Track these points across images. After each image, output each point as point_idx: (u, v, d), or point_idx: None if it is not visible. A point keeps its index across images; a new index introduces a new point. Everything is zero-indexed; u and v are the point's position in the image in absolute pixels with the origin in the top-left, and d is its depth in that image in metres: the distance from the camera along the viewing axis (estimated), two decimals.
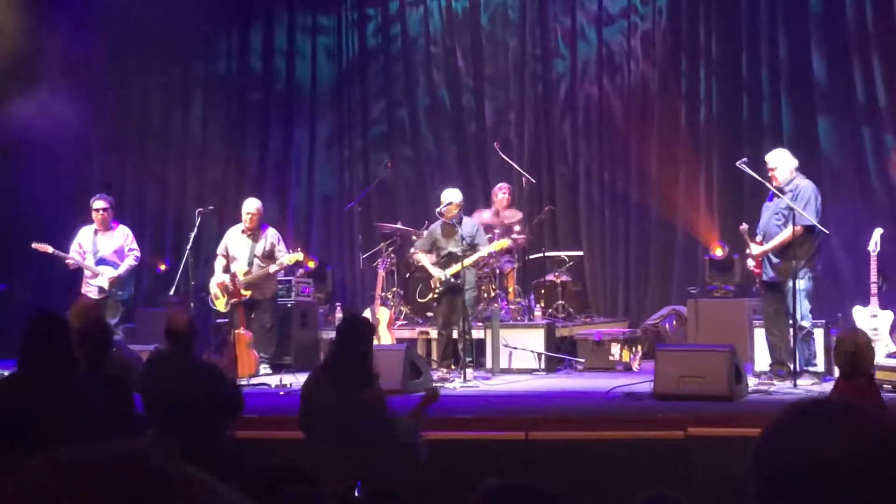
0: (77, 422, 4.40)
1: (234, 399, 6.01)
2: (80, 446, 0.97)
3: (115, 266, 10.05)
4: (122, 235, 10.25)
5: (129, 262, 10.14)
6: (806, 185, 8.48)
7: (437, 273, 9.76)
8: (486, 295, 10.73)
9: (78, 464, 0.94)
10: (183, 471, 0.96)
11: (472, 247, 9.67)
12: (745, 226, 8.74)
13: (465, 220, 9.92)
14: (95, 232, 10.17)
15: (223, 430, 5.91)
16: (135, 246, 10.26)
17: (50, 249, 10.09)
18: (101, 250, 10.10)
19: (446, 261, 9.73)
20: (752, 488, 1.40)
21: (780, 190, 8.48)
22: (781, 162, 8.57)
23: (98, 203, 10.18)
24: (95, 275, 10.02)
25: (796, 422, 1.43)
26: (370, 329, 6.00)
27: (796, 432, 1.41)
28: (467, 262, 9.53)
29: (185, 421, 5.54)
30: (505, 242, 10.15)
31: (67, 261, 10.08)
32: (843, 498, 1.34)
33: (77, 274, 10.24)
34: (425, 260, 9.93)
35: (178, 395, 5.65)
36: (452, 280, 9.60)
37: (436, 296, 9.81)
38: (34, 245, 10.20)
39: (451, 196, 9.83)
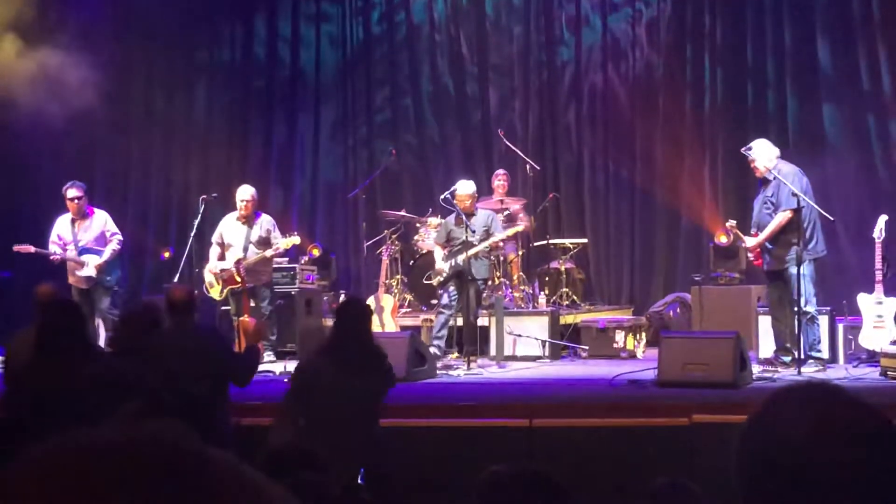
0: (103, 404, 4.44)
1: (242, 365, 6.00)
2: (99, 427, 0.91)
3: (99, 254, 9.87)
4: (101, 221, 10.04)
5: (113, 246, 9.94)
6: (787, 171, 8.45)
7: (439, 263, 9.74)
8: (490, 282, 10.72)
9: (99, 446, 0.88)
10: (215, 454, 0.91)
11: (489, 236, 9.64)
12: (732, 222, 8.73)
13: (480, 210, 9.89)
14: (73, 222, 9.95)
15: (226, 409, 5.91)
16: (115, 229, 10.07)
17: (32, 249, 9.93)
18: (83, 239, 9.90)
19: (459, 250, 9.68)
20: (736, 478, 1.41)
21: (765, 179, 8.46)
22: (759, 152, 8.53)
23: (72, 192, 9.89)
24: (81, 265, 9.83)
25: (771, 410, 1.43)
26: (367, 311, 5.98)
27: (770, 420, 1.41)
28: (474, 250, 9.51)
29: (187, 396, 5.54)
30: (519, 228, 10.13)
31: (52, 257, 9.87)
32: (816, 481, 1.34)
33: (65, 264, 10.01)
34: (436, 251, 9.91)
35: (180, 364, 5.65)
36: (459, 263, 9.56)
37: (442, 279, 9.80)
38: (16, 248, 10.03)
39: (467, 188, 9.78)
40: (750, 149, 8.65)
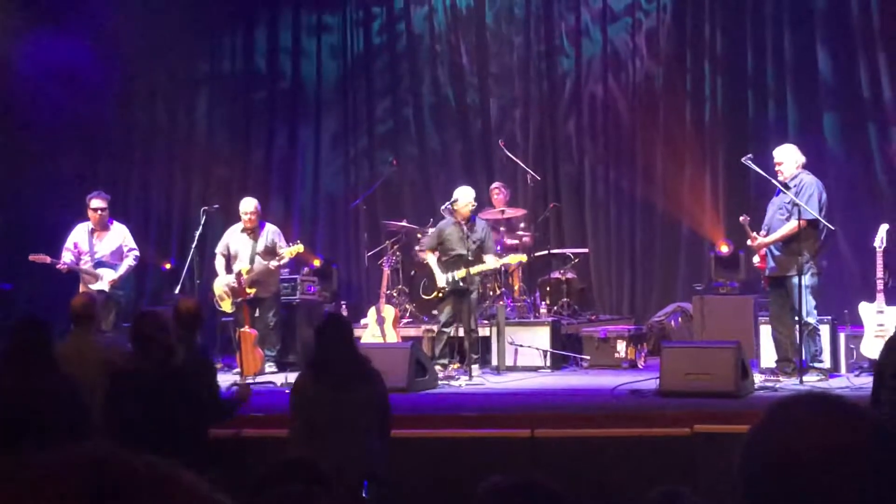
0: (57, 421, 4.44)
1: (219, 403, 6.00)
2: (33, 450, 0.94)
3: (114, 267, 9.84)
4: (120, 235, 10.00)
5: (129, 262, 9.92)
6: (810, 181, 8.48)
7: (441, 280, 9.69)
8: (491, 293, 10.71)
9: (29, 469, 0.92)
10: (150, 467, 0.94)
11: (482, 249, 9.63)
12: (745, 217, 8.72)
13: (477, 220, 9.88)
14: (91, 232, 9.90)
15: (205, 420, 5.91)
16: (134, 245, 10.04)
17: (48, 260, 9.84)
18: (99, 251, 9.86)
19: (455, 261, 9.66)
20: (739, 487, 1.41)
21: (785, 185, 8.49)
22: (788, 157, 8.59)
23: (96, 202, 9.87)
24: (95, 278, 9.77)
25: (776, 419, 1.43)
26: (348, 326, 5.91)
27: (772, 431, 1.41)
28: (477, 269, 9.54)
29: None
30: (522, 257, 10.11)
31: (59, 266, 9.78)
32: (819, 491, 1.34)
33: (76, 274, 9.97)
34: (432, 261, 9.87)
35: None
36: (461, 284, 9.56)
37: (441, 296, 9.77)
38: (31, 257, 9.93)
39: (466, 195, 9.76)
40: (750, 158, 8.68)
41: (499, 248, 10.55)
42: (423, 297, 10.41)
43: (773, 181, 8.64)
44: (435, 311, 10.48)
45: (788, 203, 8.44)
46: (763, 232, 8.66)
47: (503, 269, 10.85)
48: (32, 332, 4.86)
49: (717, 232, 11.40)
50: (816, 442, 1.36)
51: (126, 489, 0.91)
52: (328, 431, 5.39)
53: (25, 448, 0.96)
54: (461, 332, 9.65)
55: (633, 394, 7.98)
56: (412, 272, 11.38)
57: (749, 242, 8.76)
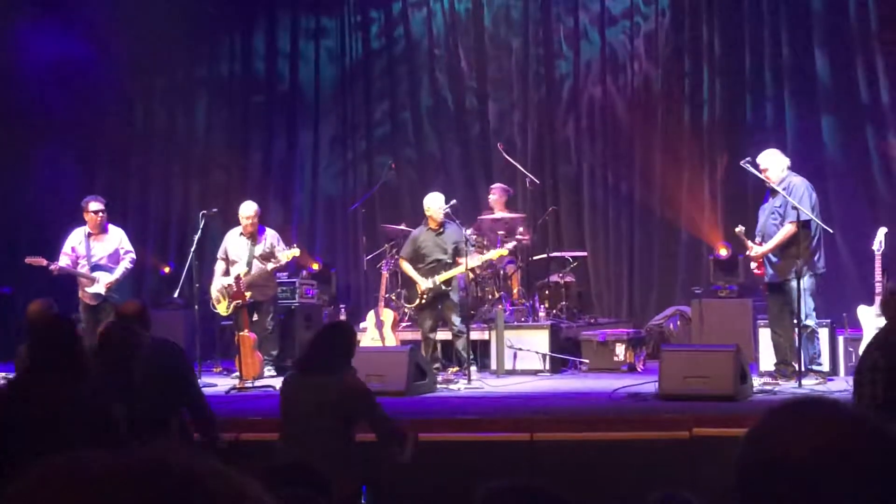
0: (84, 425, 4.42)
1: (188, 376, 6.00)
2: (98, 451, 0.96)
3: (111, 271, 9.80)
4: (116, 238, 9.98)
5: (125, 264, 9.88)
6: (798, 182, 8.48)
7: (424, 283, 9.71)
8: (490, 296, 10.71)
9: (97, 469, 0.93)
10: (202, 467, 0.95)
11: (457, 252, 9.63)
12: (741, 228, 8.71)
13: (449, 225, 9.89)
14: (88, 235, 9.86)
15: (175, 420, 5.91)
16: (130, 248, 10.01)
17: (45, 262, 9.81)
18: (96, 255, 9.83)
19: (433, 268, 9.69)
20: (735, 491, 1.41)
21: (774, 189, 8.47)
22: (772, 162, 8.57)
23: (94, 205, 9.83)
24: (92, 282, 9.75)
25: (773, 423, 1.43)
26: (348, 333, 5.91)
27: (769, 435, 1.41)
28: (456, 271, 9.54)
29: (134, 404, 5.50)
30: (504, 251, 10.14)
31: (51, 267, 9.74)
32: (815, 496, 1.34)
33: (74, 278, 9.95)
34: (408, 268, 9.89)
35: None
36: (443, 287, 9.60)
37: (423, 302, 9.77)
38: (28, 260, 9.93)
39: (433, 201, 9.81)
40: (748, 161, 8.67)
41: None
42: (406, 306, 10.35)
43: (769, 184, 8.64)
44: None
45: (780, 207, 8.44)
46: (758, 239, 8.64)
47: (501, 272, 10.86)
48: (56, 334, 4.82)
49: (716, 235, 11.40)
50: (813, 445, 1.36)
51: (190, 494, 0.93)
52: (307, 432, 5.38)
53: (49, 453, 0.97)
54: (448, 336, 9.68)
55: (632, 397, 7.97)
56: None
57: (747, 253, 8.76)
